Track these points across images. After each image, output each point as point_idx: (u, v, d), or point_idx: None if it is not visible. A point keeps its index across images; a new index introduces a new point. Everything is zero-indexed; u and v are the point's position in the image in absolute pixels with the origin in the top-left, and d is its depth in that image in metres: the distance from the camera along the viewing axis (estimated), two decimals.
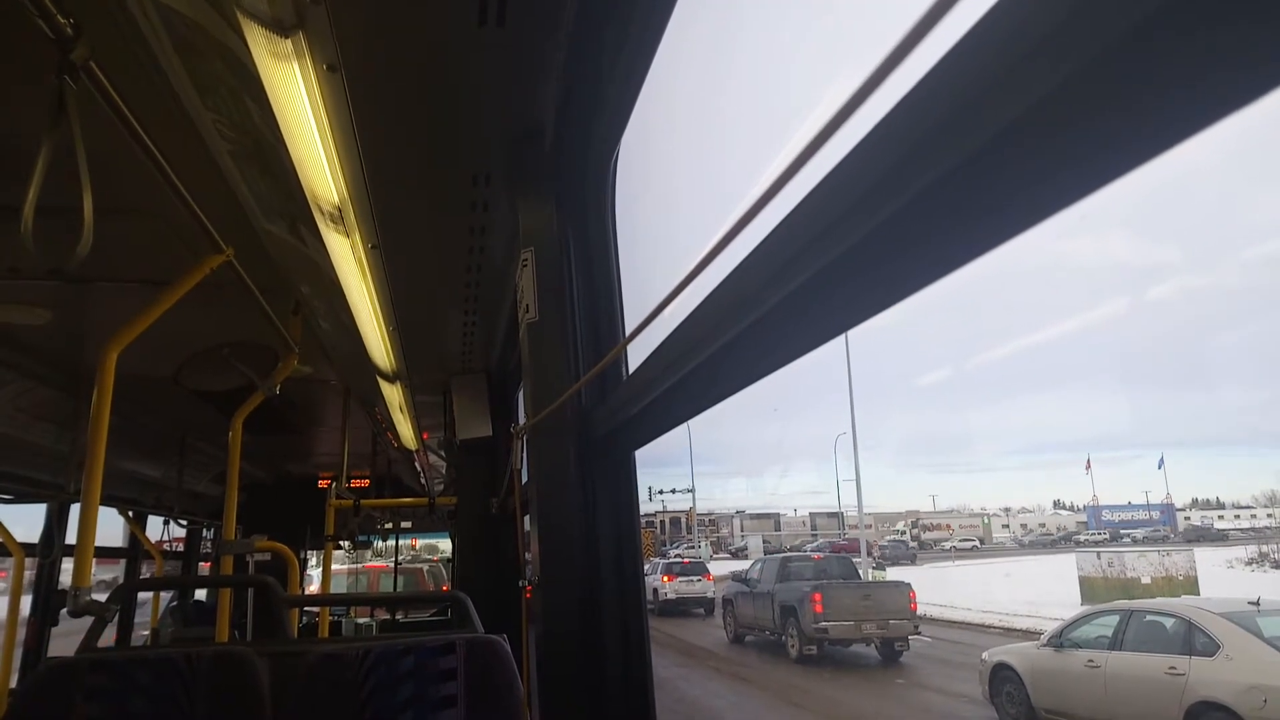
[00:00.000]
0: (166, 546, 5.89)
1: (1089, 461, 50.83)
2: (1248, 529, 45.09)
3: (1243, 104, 0.39)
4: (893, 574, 21.44)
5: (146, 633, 6.38)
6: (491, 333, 3.16)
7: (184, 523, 6.14)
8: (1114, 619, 8.13)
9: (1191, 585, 14.54)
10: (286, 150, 1.58)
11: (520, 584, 2.25)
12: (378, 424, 4.86)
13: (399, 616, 6.73)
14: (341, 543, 4.77)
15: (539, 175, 1.79)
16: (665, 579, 20.17)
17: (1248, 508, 55.34)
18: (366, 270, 2.22)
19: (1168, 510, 51.04)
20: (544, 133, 1.75)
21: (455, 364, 3.64)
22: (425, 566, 12.60)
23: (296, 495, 6.46)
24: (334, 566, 6.50)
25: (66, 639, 2.58)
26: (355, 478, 6.32)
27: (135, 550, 5.62)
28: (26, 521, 4.38)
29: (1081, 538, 46.04)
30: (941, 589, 21.08)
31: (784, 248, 0.76)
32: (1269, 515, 48.18)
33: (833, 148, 0.59)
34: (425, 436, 5.16)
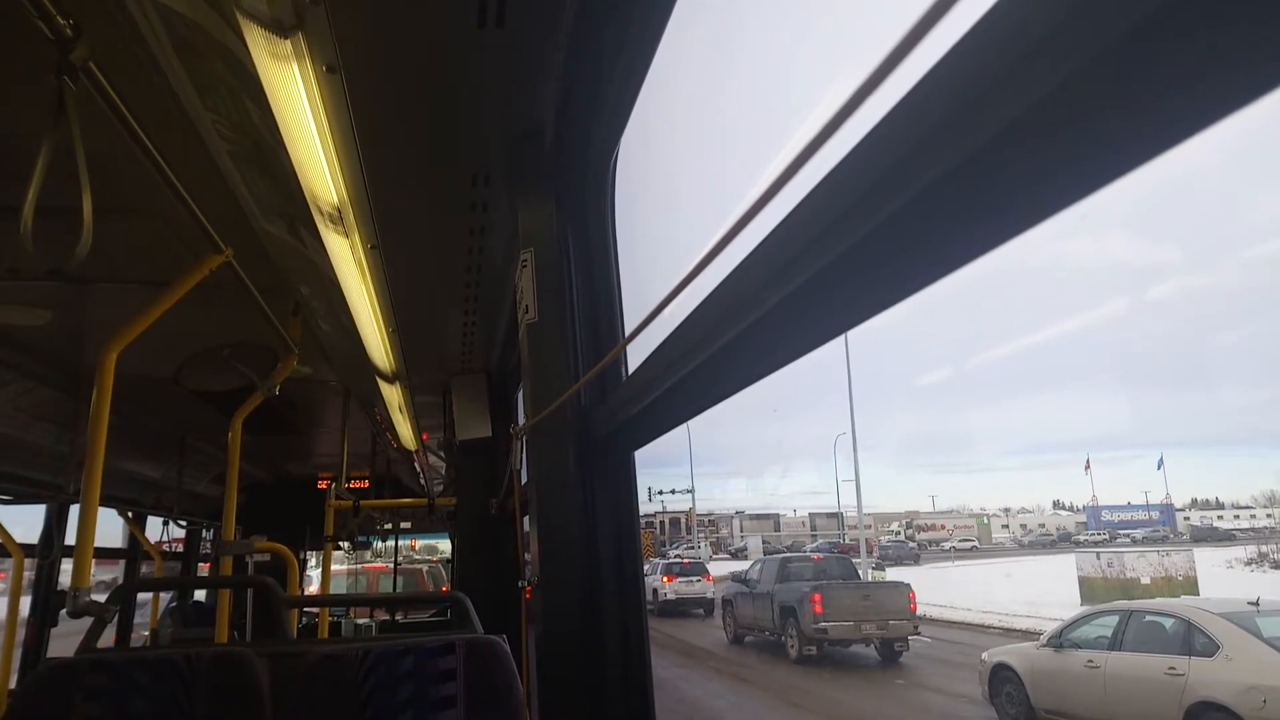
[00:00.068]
0: (166, 547, 5.89)
1: (1088, 461, 50.82)
2: (1249, 529, 45.07)
3: (1243, 104, 0.40)
4: (895, 574, 21.44)
5: (146, 633, 6.38)
6: (491, 333, 3.16)
7: (183, 523, 6.13)
8: (1113, 619, 8.14)
9: (1191, 585, 14.54)
10: (286, 151, 1.58)
11: (520, 584, 2.25)
12: (377, 424, 4.86)
13: (398, 617, 6.73)
14: (341, 543, 4.77)
15: (539, 175, 1.79)
16: (665, 579, 20.18)
17: (1247, 508, 55.35)
18: (366, 271, 2.22)
19: (1167, 510, 51.06)
20: (544, 133, 1.75)
21: (455, 364, 3.64)
22: (425, 567, 12.60)
23: (296, 496, 6.45)
24: (333, 567, 6.50)
25: (66, 640, 2.58)
26: (355, 478, 6.32)
27: (135, 551, 5.62)
28: (26, 522, 4.39)
29: (1081, 538, 46.06)
30: (941, 589, 21.09)
31: (784, 248, 0.76)
32: (1268, 515, 48.19)
33: (833, 147, 0.59)
34: (425, 437, 5.16)
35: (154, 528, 5.68)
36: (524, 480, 2.07)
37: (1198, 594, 13.48)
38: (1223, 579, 18.68)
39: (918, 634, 13.23)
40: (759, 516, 58.77)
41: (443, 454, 5.31)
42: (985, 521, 56.44)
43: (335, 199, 1.80)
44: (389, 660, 1.63)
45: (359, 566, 11.86)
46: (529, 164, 1.79)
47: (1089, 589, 16.04)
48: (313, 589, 7.51)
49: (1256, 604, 7.19)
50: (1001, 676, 8.92)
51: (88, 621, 1.92)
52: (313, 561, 8.54)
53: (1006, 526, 59.00)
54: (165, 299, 2.05)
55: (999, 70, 0.47)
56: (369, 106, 1.53)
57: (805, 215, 0.72)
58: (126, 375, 2.10)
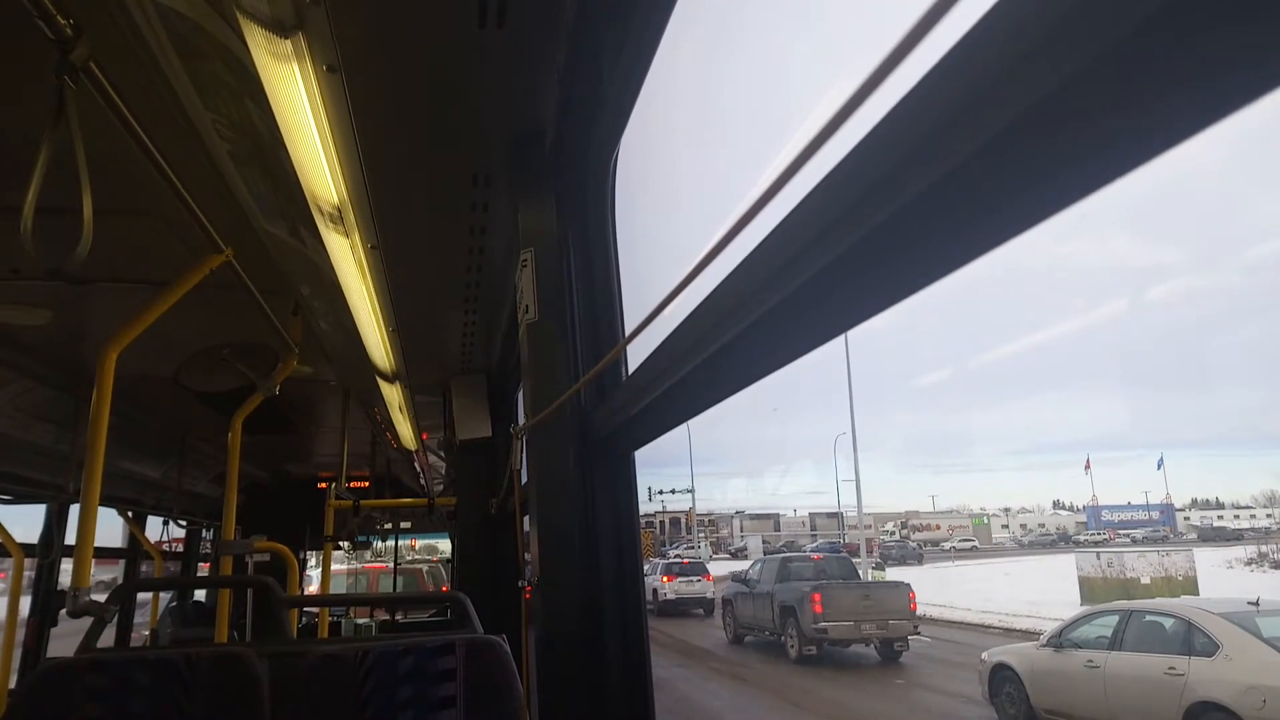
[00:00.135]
0: (166, 547, 5.89)
1: (1088, 461, 50.83)
2: (1249, 529, 45.06)
3: (1243, 104, 0.40)
4: (898, 574, 21.43)
5: (146, 633, 6.37)
6: (491, 333, 3.16)
7: (183, 523, 6.13)
8: (1113, 619, 8.14)
9: (1191, 585, 14.54)
10: (286, 151, 1.58)
11: (520, 584, 2.25)
12: (377, 424, 4.86)
13: (398, 617, 6.73)
14: (341, 543, 4.77)
15: (539, 176, 1.79)
16: (665, 579, 20.18)
17: (1247, 508, 55.38)
18: (366, 271, 2.22)
19: (1167, 510, 51.09)
20: (544, 133, 1.75)
21: (455, 364, 3.64)
22: (425, 567, 12.60)
23: (296, 496, 6.45)
24: (333, 567, 6.50)
25: (65, 640, 2.58)
26: (355, 478, 6.32)
27: (134, 551, 5.61)
28: (26, 522, 4.38)
29: (1081, 538, 46.06)
30: (941, 589, 21.09)
31: (784, 248, 0.76)
32: (1268, 515, 48.18)
33: (833, 148, 0.59)
34: (425, 437, 5.16)
35: (154, 528, 5.69)
36: (524, 480, 2.07)
37: (1198, 594, 13.48)
38: (1223, 579, 18.69)
39: (917, 634, 13.23)
40: (759, 516, 58.76)
41: (443, 454, 5.31)
42: (985, 521, 56.45)
43: (335, 199, 1.80)
44: (389, 660, 1.63)
45: (359, 566, 11.87)
46: (529, 164, 1.79)
47: (1089, 589, 16.04)
48: (312, 589, 7.51)
49: (1256, 604, 7.19)
50: (1001, 676, 8.92)
51: (87, 621, 1.92)
52: (312, 561, 8.54)
53: (1006, 526, 59.01)
54: (165, 299, 2.05)
55: (999, 70, 0.47)
56: (369, 106, 1.54)
57: (805, 215, 0.72)
58: (126, 375, 2.10)
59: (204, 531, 6.59)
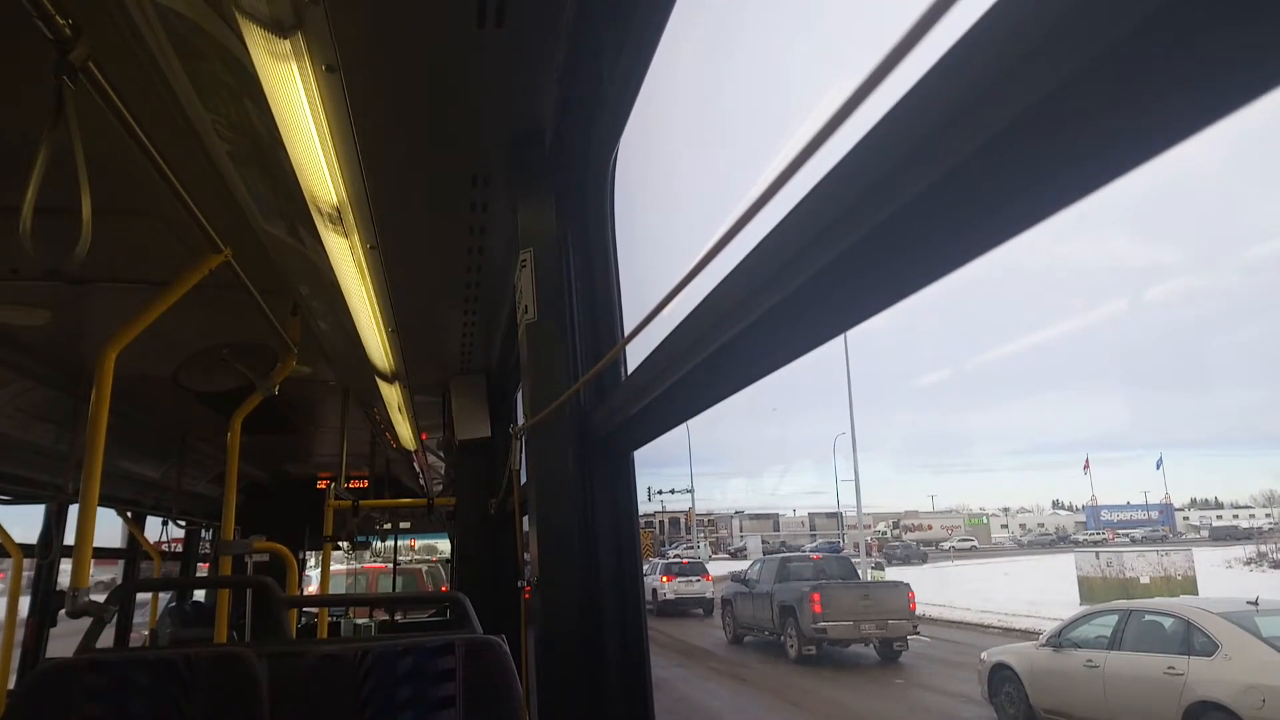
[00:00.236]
0: (165, 547, 5.88)
1: (1088, 461, 50.84)
2: (1256, 528, 45.06)
3: (1242, 104, 0.40)
4: (898, 573, 21.43)
5: (145, 633, 6.37)
6: (491, 333, 3.16)
7: (182, 523, 6.13)
8: (1113, 619, 8.14)
9: (1190, 585, 14.55)
10: (285, 151, 1.58)
11: (519, 584, 2.25)
12: (376, 424, 4.86)
13: (398, 617, 6.73)
14: (340, 543, 4.77)
15: (538, 175, 1.79)
16: (664, 579, 20.18)
17: (1246, 507, 55.41)
18: (365, 271, 2.22)
19: (1166, 510, 51.12)
20: (543, 133, 1.75)
21: (454, 364, 3.64)
22: (424, 567, 12.59)
23: (295, 496, 6.45)
24: (332, 567, 6.50)
25: (65, 640, 2.58)
26: (354, 478, 6.32)
27: (134, 551, 5.61)
28: (25, 522, 4.38)
29: (1080, 538, 46.08)
30: (940, 589, 21.09)
31: (783, 247, 0.76)
32: (1267, 515, 48.20)
33: (832, 147, 0.59)
34: (424, 437, 5.16)
35: (153, 528, 5.68)
36: (523, 480, 2.07)
37: (1197, 593, 13.49)
38: (1222, 578, 18.70)
39: (917, 633, 13.23)
40: (758, 516, 58.79)
41: (442, 454, 5.31)
42: (984, 521, 56.48)
43: (335, 199, 1.80)
44: (388, 660, 1.63)
45: (358, 567, 11.86)
46: (529, 164, 1.79)
47: (1088, 588, 16.05)
48: (312, 589, 7.50)
49: (1255, 603, 7.19)
50: (1001, 676, 8.92)
51: (87, 621, 1.92)
52: (312, 561, 8.54)
53: (1006, 526, 59.04)
54: (165, 299, 2.05)
55: (998, 70, 0.47)
56: (368, 106, 1.53)
57: (805, 215, 0.72)
58: (126, 375, 2.10)
59: (203, 531, 6.58)
